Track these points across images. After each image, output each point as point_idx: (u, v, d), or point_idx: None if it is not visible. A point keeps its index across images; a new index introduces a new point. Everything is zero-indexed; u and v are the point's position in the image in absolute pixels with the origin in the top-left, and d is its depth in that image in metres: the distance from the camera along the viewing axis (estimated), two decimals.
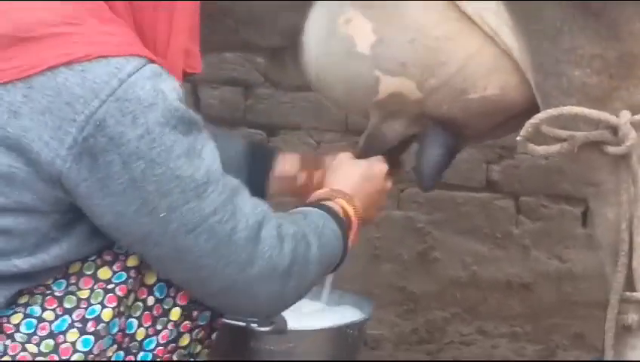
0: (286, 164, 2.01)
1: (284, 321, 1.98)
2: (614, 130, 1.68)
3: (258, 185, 1.98)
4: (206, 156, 1.50)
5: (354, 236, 1.77)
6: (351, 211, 1.76)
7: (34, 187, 1.45)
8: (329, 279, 2.15)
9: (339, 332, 2.10)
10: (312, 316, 2.15)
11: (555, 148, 1.69)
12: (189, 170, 1.47)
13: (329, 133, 3.13)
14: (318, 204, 1.75)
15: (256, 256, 1.54)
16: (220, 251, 1.51)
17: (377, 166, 1.90)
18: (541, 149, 1.70)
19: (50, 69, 1.43)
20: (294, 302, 1.66)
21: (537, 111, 1.77)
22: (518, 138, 1.69)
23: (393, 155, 1.99)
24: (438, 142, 1.94)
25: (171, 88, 1.47)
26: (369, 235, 3.10)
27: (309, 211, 1.71)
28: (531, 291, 3.08)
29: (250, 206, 1.56)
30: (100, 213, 1.47)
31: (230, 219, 1.52)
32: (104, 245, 1.54)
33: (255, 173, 1.98)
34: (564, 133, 1.69)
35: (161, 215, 1.47)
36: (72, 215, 1.50)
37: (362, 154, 1.96)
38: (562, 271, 3.07)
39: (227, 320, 1.93)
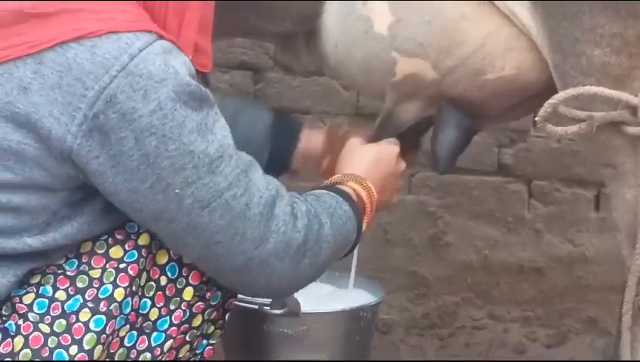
0: (311, 140, 2.01)
1: (298, 304, 1.97)
2: (634, 110, 1.65)
3: (283, 160, 1.98)
4: (218, 131, 1.49)
5: (368, 219, 1.75)
6: (364, 194, 1.75)
7: (44, 164, 1.44)
8: (353, 262, 2.14)
9: (352, 315, 2.09)
10: (325, 299, 2.14)
11: (573, 128, 1.67)
12: (202, 145, 1.46)
13: (339, 117, 3.11)
14: (330, 187, 1.73)
15: (270, 232, 1.53)
16: (235, 227, 1.50)
17: (389, 148, 1.88)
18: (560, 130, 1.68)
19: (60, 44, 1.42)
20: (308, 282, 1.65)
21: (554, 91, 1.75)
22: (536, 118, 1.67)
23: (408, 138, 1.97)
24: (454, 124, 1.93)
25: (182, 64, 1.45)
26: (380, 220, 3.09)
27: (321, 193, 1.70)
28: (543, 275, 3.07)
29: (263, 182, 1.55)
30: (113, 190, 1.46)
31: (244, 195, 1.50)
32: (116, 224, 1.53)
33: (280, 147, 1.97)
34: (582, 114, 1.67)
35: (176, 191, 1.45)
36: (83, 193, 1.49)
37: (376, 136, 1.94)
38: (575, 255, 3.06)
39: (241, 303, 1.92)
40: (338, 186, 1.74)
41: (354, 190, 1.75)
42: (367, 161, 1.83)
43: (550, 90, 1.80)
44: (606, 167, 1.76)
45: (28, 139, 1.42)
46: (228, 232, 1.50)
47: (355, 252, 1.91)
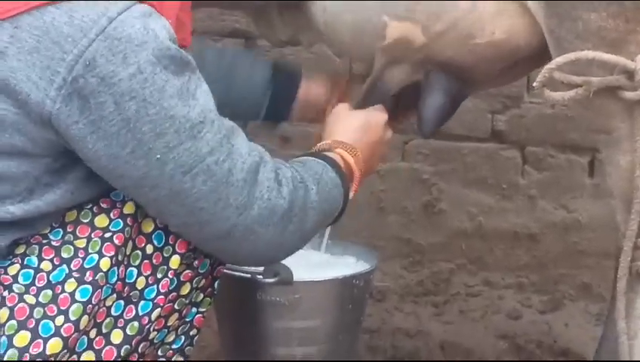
0: (312, 88, 1.99)
1: (290, 272, 1.96)
2: (630, 75, 1.64)
3: (282, 108, 1.96)
4: (200, 97, 1.47)
5: (355, 186, 1.74)
6: (351, 161, 1.73)
7: (24, 129, 1.42)
8: (328, 229, 2.13)
9: (345, 283, 2.08)
10: (317, 267, 2.13)
11: (570, 94, 1.65)
12: (183, 110, 1.44)
13: None
14: (316, 154, 1.72)
15: (254, 198, 1.51)
16: (218, 193, 1.48)
17: (376, 115, 1.87)
18: (557, 95, 1.66)
19: (38, 7, 1.39)
20: (295, 249, 1.63)
21: (544, 57, 1.73)
22: (534, 84, 1.65)
23: (395, 104, 1.96)
24: (442, 89, 1.91)
25: (162, 27, 1.43)
26: (374, 188, 3.08)
27: (307, 160, 1.68)
28: (538, 241, 3.07)
29: (246, 148, 1.53)
30: (94, 156, 1.44)
31: (227, 160, 1.49)
32: (99, 192, 1.52)
33: (279, 96, 1.96)
34: (578, 79, 1.65)
35: (157, 156, 1.43)
36: (65, 160, 1.47)
37: (364, 102, 1.92)
38: (569, 221, 3.05)
39: (233, 272, 1.91)
40: (325, 153, 1.72)
41: (341, 156, 1.73)
42: (355, 127, 1.81)
43: (540, 55, 1.79)
44: (600, 134, 1.74)
45: (7, 105, 1.40)
46: (211, 198, 1.48)
47: None
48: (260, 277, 1.98)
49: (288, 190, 1.56)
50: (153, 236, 1.56)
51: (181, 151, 1.44)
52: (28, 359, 1.44)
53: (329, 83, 2.02)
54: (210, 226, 1.51)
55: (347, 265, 2.18)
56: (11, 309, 1.45)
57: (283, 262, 1.94)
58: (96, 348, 1.52)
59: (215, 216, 1.49)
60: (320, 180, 1.63)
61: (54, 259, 1.48)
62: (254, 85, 1.96)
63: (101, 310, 1.51)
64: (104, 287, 1.49)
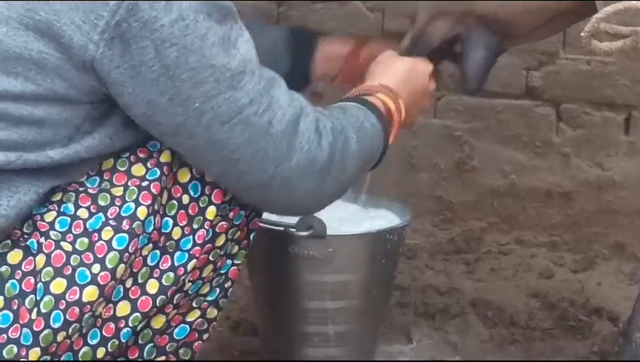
0: (328, 47, 1.97)
1: (324, 226, 1.95)
2: None
3: (302, 71, 1.94)
4: (241, 46, 1.45)
5: (394, 134, 1.72)
6: (392, 107, 1.71)
7: (66, 74, 1.41)
8: (367, 182, 2.12)
9: (379, 238, 2.07)
10: (350, 221, 2.12)
11: (617, 44, 1.62)
12: (223, 59, 1.42)
13: None
14: (358, 98, 1.69)
15: (293, 149, 1.50)
16: (256, 144, 1.47)
17: (422, 64, 1.84)
18: (604, 46, 1.63)
19: None
20: (333, 199, 1.62)
21: (584, 11, 1.70)
22: (582, 34, 1.62)
23: (436, 58, 1.93)
24: (484, 43, 1.89)
25: None
26: (406, 144, 3.05)
27: (348, 105, 1.66)
28: (571, 200, 3.04)
29: (287, 98, 1.51)
30: (133, 102, 1.43)
31: (266, 111, 1.47)
32: (137, 139, 1.51)
33: (298, 59, 1.93)
34: (626, 30, 1.62)
35: (195, 105, 1.42)
36: (105, 107, 1.46)
37: (405, 54, 1.90)
38: (603, 179, 3.01)
39: (266, 225, 1.90)
40: (367, 97, 1.70)
41: (382, 101, 1.71)
42: (401, 73, 1.78)
43: (581, 9, 1.75)
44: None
45: (49, 49, 1.39)
46: (249, 149, 1.47)
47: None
48: (293, 230, 1.97)
49: (328, 141, 1.54)
50: (189, 186, 1.55)
51: (220, 100, 1.43)
52: (64, 306, 1.45)
53: (346, 39, 2.00)
54: (248, 177, 1.50)
55: (381, 220, 2.16)
56: (48, 256, 1.45)
57: (317, 215, 1.94)
58: (132, 297, 1.52)
59: (253, 167, 1.49)
60: (361, 128, 1.61)
61: (91, 206, 1.47)
62: (271, 52, 1.93)
63: (137, 259, 1.51)
64: (141, 236, 1.49)
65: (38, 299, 1.44)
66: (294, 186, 1.52)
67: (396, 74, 1.78)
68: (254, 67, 1.47)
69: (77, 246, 1.46)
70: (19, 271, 1.45)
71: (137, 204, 1.48)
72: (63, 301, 1.45)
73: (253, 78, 1.46)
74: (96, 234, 1.46)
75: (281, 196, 1.53)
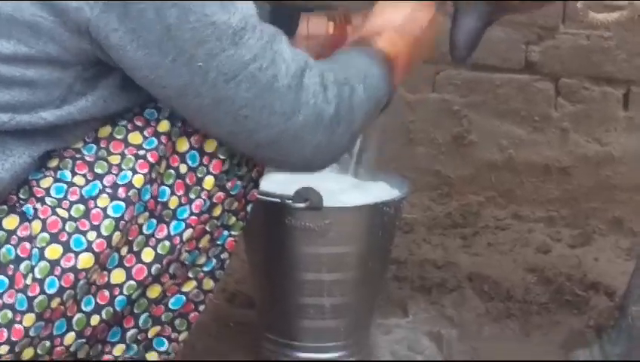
0: (311, 23, 1.96)
1: (320, 197, 1.94)
2: None
3: None
4: (240, 2, 1.44)
5: (399, 76, 1.69)
6: (395, 51, 1.68)
7: (59, 38, 1.40)
8: (367, 155, 2.11)
9: (376, 210, 2.06)
10: (347, 193, 2.11)
11: (614, 15, 1.63)
12: (224, 16, 1.41)
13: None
14: (360, 46, 1.68)
15: (300, 103, 1.49)
16: (263, 100, 1.47)
17: (424, 6, 1.77)
18: (601, 17, 1.63)
19: None
20: (344, 151, 1.61)
21: None
22: (578, 5, 1.62)
23: None
24: (475, 11, 1.86)
25: None
26: (403, 118, 3.04)
27: (351, 55, 1.65)
28: (569, 175, 3.03)
29: (290, 53, 1.50)
30: (135, 65, 1.42)
31: (270, 66, 1.46)
32: (132, 102, 1.50)
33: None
34: (623, 2, 1.61)
35: (199, 64, 1.41)
36: (96, 69, 1.45)
37: None
38: (601, 154, 3.01)
39: (262, 197, 1.90)
40: (370, 43, 1.67)
41: (386, 47, 1.68)
42: (400, 17, 1.74)
43: None
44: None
45: (43, 12, 1.38)
46: (255, 105, 1.46)
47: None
48: (290, 202, 1.96)
49: (334, 94, 1.53)
50: (187, 156, 1.54)
51: (223, 58, 1.42)
52: (59, 272, 1.44)
53: (328, 15, 1.98)
54: (257, 134, 1.49)
55: (379, 192, 2.15)
56: (43, 221, 1.45)
57: (312, 186, 1.94)
58: (127, 265, 1.52)
59: (260, 123, 1.48)
60: (366, 77, 1.60)
61: (87, 174, 1.47)
62: None
63: (133, 227, 1.50)
64: (137, 204, 1.48)
65: (33, 264, 1.44)
66: (304, 141, 1.51)
67: (400, 16, 1.74)
68: (255, 22, 1.46)
69: (73, 213, 1.45)
70: (14, 236, 1.45)
71: (134, 172, 1.47)
72: (58, 267, 1.44)
73: (255, 33, 1.45)
74: (92, 202, 1.46)
75: (292, 152, 1.52)
